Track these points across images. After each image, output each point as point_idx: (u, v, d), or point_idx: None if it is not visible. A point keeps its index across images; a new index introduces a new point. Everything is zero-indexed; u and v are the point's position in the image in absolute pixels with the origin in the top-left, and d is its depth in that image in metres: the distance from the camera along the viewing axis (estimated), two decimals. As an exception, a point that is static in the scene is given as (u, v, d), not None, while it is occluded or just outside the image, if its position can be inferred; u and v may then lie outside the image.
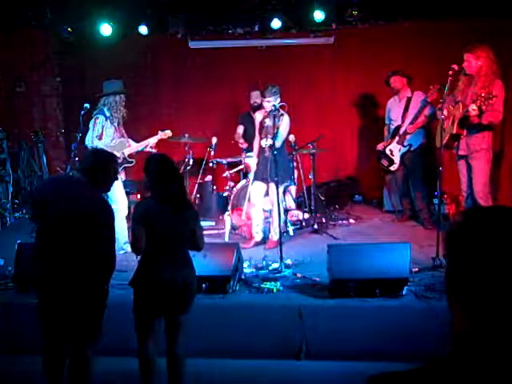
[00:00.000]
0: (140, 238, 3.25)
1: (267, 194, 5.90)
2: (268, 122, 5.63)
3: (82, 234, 3.19)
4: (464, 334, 0.95)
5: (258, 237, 5.99)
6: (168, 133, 6.03)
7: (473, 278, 0.93)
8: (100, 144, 5.58)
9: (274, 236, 5.84)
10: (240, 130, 7.30)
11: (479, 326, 0.92)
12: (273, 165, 5.37)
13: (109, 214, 3.28)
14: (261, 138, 5.80)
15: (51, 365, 3.39)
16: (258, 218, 6.01)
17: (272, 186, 5.71)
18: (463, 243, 0.97)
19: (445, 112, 5.11)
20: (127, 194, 5.92)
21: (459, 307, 0.96)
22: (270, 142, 5.57)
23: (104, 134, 5.65)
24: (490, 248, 0.93)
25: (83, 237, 3.19)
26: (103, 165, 3.39)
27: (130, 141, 5.91)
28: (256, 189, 5.93)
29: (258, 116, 6.02)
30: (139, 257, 3.36)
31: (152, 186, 3.32)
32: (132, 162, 5.82)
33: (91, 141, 5.54)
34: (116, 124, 5.73)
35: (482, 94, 4.91)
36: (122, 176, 5.80)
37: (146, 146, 5.88)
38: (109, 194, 5.70)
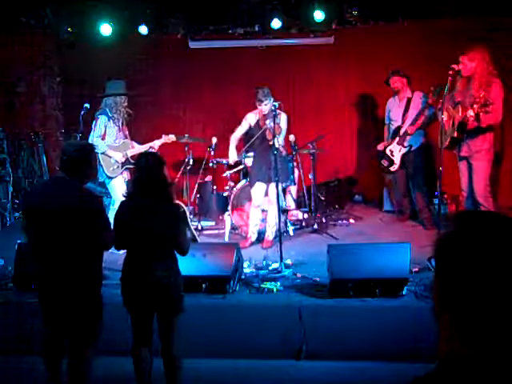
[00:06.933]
0: (116, 236, 3.29)
1: (266, 193, 5.92)
2: (269, 122, 5.62)
3: (77, 231, 3.20)
4: (456, 355, 0.85)
5: (254, 237, 6.03)
6: (172, 137, 6.12)
7: (471, 297, 0.83)
8: (103, 144, 5.60)
9: (270, 235, 5.88)
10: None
11: (476, 350, 0.82)
12: (273, 165, 5.39)
13: (98, 205, 3.31)
14: (265, 139, 5.77)
15: (51, 355, 3.41)
16: (257, 218, 6.03)
17: (272, 185, 5.72)
18: (457, 256, 0.87)
19: (445, 113, 5.11)
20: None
21: (453, 326, 0.87)
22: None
23: (106, 134, 5.67)
24: (486, 260, 0.84)
25: (78, 234, 3.20)
26: (88, 157, 3.37)
27: (134, 143, 5.95)
28: (258, 189, 5.94)
29: (251, 117, 6.01)
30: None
31: (134, 185, 3.33)
32: None
33: (94, 141, 5.54)
34: (120, 124, 5.75)
35: (477, 100, 4.91)
36: (124, 176, 5.80)
37: (149, 148, 5.91)
38: (111, 194, 5.75)
